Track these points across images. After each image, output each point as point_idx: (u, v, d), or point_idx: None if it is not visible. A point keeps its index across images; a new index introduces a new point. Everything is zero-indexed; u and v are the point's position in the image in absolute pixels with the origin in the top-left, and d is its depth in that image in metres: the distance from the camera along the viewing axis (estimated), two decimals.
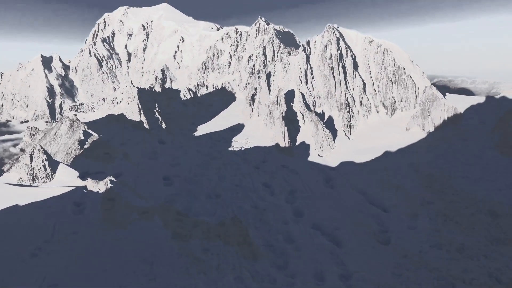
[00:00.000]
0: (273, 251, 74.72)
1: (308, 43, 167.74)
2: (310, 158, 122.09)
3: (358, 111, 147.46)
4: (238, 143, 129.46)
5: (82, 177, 79.80)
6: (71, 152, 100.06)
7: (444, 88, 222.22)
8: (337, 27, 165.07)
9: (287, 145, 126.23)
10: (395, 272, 70.57)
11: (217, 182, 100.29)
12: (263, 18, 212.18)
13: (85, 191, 71.98)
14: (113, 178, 75.27)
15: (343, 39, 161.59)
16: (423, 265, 71.99)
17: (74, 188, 71.86)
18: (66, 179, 77.67)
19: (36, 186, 74.53)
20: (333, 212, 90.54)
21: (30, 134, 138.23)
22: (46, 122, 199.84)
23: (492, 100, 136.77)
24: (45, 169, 77.95)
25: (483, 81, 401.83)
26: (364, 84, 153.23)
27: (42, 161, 78.14)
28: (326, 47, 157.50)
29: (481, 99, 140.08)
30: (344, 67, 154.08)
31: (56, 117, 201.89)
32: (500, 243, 76.94)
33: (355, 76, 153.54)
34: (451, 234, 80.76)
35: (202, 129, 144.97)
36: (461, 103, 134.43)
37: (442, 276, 68.75)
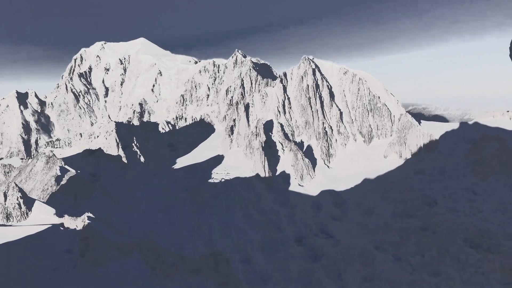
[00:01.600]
0: (275, 191, 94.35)
1: (285, 74, 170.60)
2: (290, 188, 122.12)
3: (336, 140, 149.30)
4: (218, 174, 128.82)
5: (59, 214, 77.82)
6: (47, 189, 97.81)
7: (419, 116, 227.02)
8: (313, 59, 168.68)
9: (267, 175, 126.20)
10: (383, 196, 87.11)
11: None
12: (240, 51, 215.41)
13: (62, 228, 70.09)
14: (91, 215, 73.65)
15: (319, 70, 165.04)
16: (408, 188, 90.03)
17: (50, 226, 69.91)
18: (42, 217, 75.58)
19: (10, 225, 72.23)
20: None
21: (4, 171, 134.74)
22: (22, 159, 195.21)
23: (466, 126, 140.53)
24: (20, 207, 75.81)
25: (456, 107, 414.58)
26: (341, 113, 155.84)
27: (17, 199, 76.06)
28: (302, 78, 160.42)
29: (455, 125, 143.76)
30: (320, 97, 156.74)
31: (32, 154, 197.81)
32: (477, 164, 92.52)
33: (332, 106, 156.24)
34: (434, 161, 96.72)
35: (182, 162, 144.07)
36: (436, 130, 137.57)
37: (426, 194, 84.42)
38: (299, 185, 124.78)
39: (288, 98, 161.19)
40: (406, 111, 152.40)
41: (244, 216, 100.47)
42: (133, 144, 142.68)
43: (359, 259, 70.73)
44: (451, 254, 73.26)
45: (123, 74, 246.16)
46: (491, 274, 69.26)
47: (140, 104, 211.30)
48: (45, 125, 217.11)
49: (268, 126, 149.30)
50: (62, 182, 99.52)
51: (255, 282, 72.54)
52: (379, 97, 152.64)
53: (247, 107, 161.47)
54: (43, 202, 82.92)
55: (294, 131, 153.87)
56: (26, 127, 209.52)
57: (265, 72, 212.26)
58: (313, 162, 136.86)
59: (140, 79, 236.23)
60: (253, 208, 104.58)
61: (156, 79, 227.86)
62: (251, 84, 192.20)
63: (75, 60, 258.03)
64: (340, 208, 79.85)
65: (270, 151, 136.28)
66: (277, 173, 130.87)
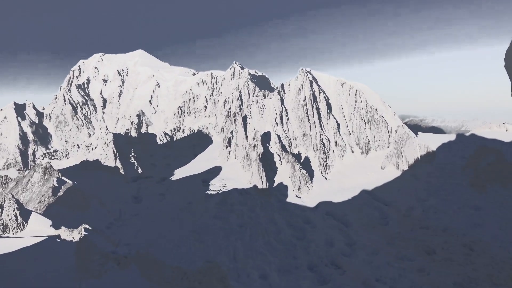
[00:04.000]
0: (293, 228, 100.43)
1: (283, 86, 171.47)
2: (288, 199, 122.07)
3: (333, 151, 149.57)
4: (216, 186, 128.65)
5: (56, 226, 77.52)
6: (44, 200, 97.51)
7: (416, 127, 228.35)
8: (310, 71, 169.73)
9: (264, 186, 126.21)
10: (390, 242, 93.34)
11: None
12: (237, 63, 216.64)
13: (58, 240, 69.77)
14: (87, 226, 73.39)
15: (316, 82, 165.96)
16: (412, 239, 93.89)
17: (46, 237, 69.60)
18: (39, 229, 75.28)
19: (7, 237, 71.89)
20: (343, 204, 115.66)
21: (1, 183, 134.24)
22: (19, 170, 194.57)
23: (462, 137, 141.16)
24: (16, 219, 75.55)
25: (453, 119, 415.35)
26: (338, 125, 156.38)
27: (13, 211, 75.84)
28: (300, 90, 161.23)
29: (451, 137, 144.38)
30: (318, 108, 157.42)
31: (29, 165, 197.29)
32: (478, 227, 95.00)
33: (329, 117, 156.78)
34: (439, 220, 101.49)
35: (179, 173, 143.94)
36: (433, 142, 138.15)
37: (427, 245, 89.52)
38: (296, 196, 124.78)
39: (286, 110, 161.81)
40: (403, 123, 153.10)
41: (241, 225, 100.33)
42: (130, 155, 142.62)
43: (361, 286, 78.15)
44: None
45: (121, 86, 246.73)
46: None
47: (138, 116, 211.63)
48: (43, 137, 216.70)
49: (266, 138, 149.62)
50: (59, 194, 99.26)
51: None
52: (376, 109, 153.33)
53: (244, 119, 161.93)
54: (40, 214, 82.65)
55: (291, 143, 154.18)
56: (23, 138, 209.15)
57: (262, 83, 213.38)
58: (311, 173, 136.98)
59: (138, 90, 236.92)
60: (248, 217, 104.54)
61: (154, 91, 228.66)
62: (249, 95, 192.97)
63: (73, 71, 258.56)
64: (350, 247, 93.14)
65: (267, 163, 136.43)
66: (275, 184, 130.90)
